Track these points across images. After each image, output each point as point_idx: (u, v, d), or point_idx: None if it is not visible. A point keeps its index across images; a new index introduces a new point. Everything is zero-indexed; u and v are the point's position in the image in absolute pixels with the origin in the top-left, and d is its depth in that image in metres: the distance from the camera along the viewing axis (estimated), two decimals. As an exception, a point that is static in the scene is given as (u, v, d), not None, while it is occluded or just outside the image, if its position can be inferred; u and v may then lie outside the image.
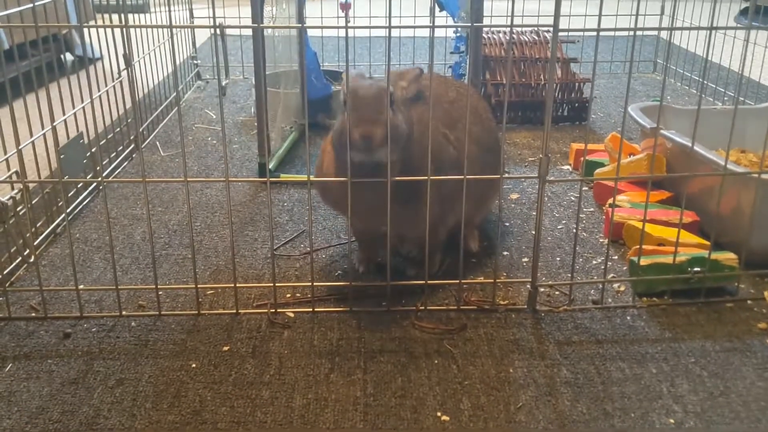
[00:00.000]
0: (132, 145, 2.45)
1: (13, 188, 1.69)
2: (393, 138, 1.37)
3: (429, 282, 1.55)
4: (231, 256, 1.53)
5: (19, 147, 1.56)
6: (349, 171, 1.39)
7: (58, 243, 1.83)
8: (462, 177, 1.45)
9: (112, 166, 2.30)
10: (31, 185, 1.73)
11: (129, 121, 2.48)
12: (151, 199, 2.10)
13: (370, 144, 1.35)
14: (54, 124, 1.61)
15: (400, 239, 1.75)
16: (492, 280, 1.59)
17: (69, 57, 3.53)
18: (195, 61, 3.36)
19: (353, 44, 3.73)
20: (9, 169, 1.66)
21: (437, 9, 2.76)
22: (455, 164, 1.56)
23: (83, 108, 2.00)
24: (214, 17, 1.35)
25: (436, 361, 1.37)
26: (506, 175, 2.34)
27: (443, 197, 1.54)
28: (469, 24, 2.20)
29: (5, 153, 1.63)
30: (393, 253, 1.58)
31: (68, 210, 1.90)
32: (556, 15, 1.37)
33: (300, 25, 2.01)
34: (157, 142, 2.57)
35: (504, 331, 1.47)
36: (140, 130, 2.53)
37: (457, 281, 1.56)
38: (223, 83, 1.27)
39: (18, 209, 1.70)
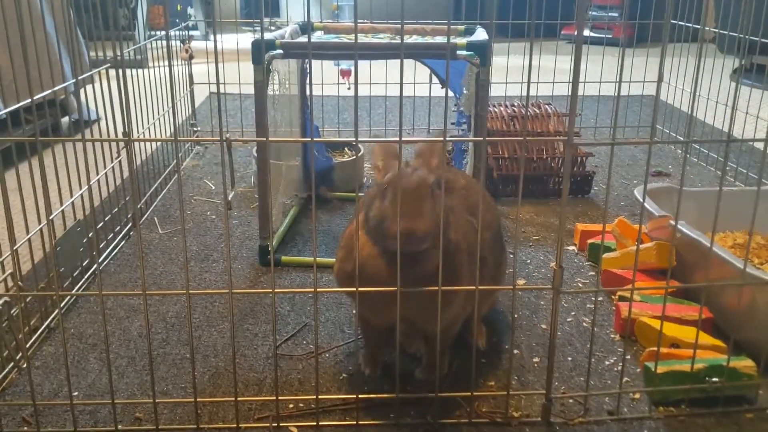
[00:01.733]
0: (129, 224, 2.40)
1: (7, 289, 1.63)
2: (436, 230, 1.34)
3: (440, 394, 1.49)
4: (231, 359, 1.47)
5: (15, 248, 1.51)
6: (399, 278, 1.34)
7: (52, 340, 1.76)
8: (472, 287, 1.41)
9: (110, 248, 2.25)
10: (24, 282, 1.67)
11: (127, 199, 2.43)
12: (149, 285, 2.04)
13: (414, 240, 1.31)
14: (51, 217, 1.57)
15: (407, 337, 1.70)
16: (505, 393, 1.53)
17: (65, 120, 3.51)
18: (194, 128, 3.34)
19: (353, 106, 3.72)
20: (2, 269, 1.62)
21: (439, 86, 2.76)
22: (478, 257, 1.48)
23: (80, 185, 1.96)
24: (221, 130, 1.31)
25: (448, 488, 1.31)
26: (510, 256, 2.30)
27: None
28: (473, 137, 2.19)
29: None
30: (399, 351, 1.52)
31: (63, 304, 1.85)
32: (570, 127, 1.35)
33: (309, 139, 1.97)
34: (155, 218, 2.53)
35: (518, 450, 1.41)
36: (137, 206, 2.49)
37: (469, 393, 1.50)
38: (230, 196, 1.25)
39: (11, 311, 1.63)
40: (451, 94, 2.74)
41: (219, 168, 3.12)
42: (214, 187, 2.87)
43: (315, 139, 1.38)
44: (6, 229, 1.42)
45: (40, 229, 1.73)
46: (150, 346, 1.43)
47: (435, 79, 3.01)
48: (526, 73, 1.36)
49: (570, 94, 1.32)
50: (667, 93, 3.48)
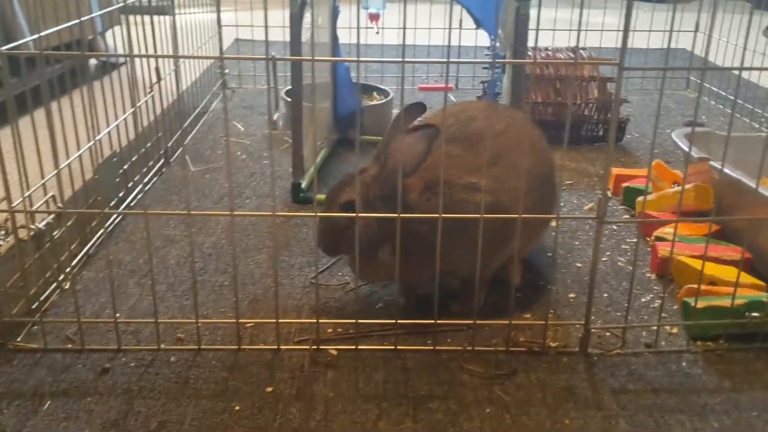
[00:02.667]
0: (162, 160, 2.41)
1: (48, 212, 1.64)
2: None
3: (477, 322, 1.50)
4: (269, 286, 1.48)
5: (58, 168, 1.52)
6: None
7: (92, 266, 1.79)
8: (516, 216, 1.40)
9: (144, 181, 2.26)
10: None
11: (160, 135, 2.43)
12: (184, 218, 2.05)
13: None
14: (94, 140, 1.58)
15: (441, 273, 1.70)
16: (543, 322, 1.53)
17: (92, 62, 3.49)
18: (222, 70, 3.31)
19: (381, 52, 3.67)
20: (44, 191, 1.63)
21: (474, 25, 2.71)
22: (490, 211, 1.46)
23: (107, 123, 1.96)
24: (266, 49, 1.30)
25: (488, 410, 1.32)
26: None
27: (486, 241, 1.44)
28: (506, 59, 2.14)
29: (41, 172, 1.58)
30: (434, 284, 1.53)
31: (101, 231, 1.86)
32: (623, 51, 1.32)
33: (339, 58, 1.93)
34: (186, 156, 2.53)
35: (556, 377, 1.41)
36: (168, 145, 2.49)
37: (507, 321, 1.50)
38: (274, 117, 1.24)
39: (53, 234, 1.65)
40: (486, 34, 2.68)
41: (246, 111, 3.11)
42: (242, 129, 2.86)
43: (362, 59, 1.35)
44: (49, 152, 1.42)
45: (79, 156, 1.74)
46: (194, 266, 1.44)
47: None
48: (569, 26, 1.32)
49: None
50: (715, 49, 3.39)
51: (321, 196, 2.21)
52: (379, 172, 1.53)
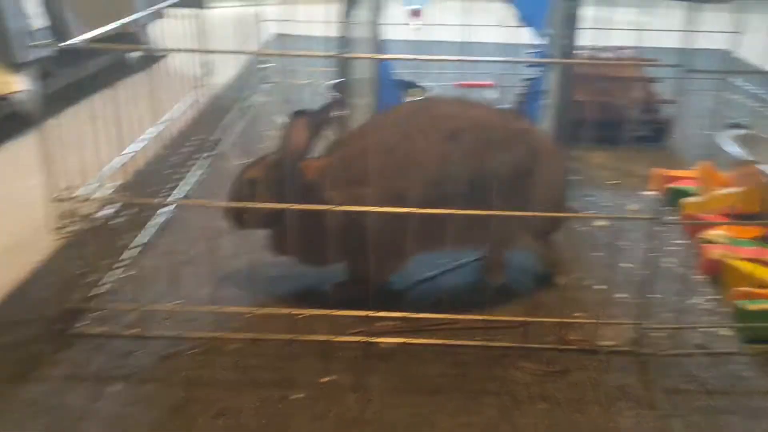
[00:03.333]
0: (209, 153, 2.45)
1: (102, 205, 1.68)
2: None
3: (528, 319, 1.51)
4: (321, 278, 1.50)
5: (126, 158, 1.56)
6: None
7: (148, 254, 1.83)
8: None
9: (194, 172, 2.30)
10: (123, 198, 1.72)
11: (206, 138, 2.47)
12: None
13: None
14: (156, 132, 1.61)
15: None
16: (594, 321, 1.53)
17: (133, 54, 3.55)
18: (263, 64, 3.35)
19: (420, 48, 3.67)
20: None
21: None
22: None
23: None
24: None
25: (541, 407, 1.33)
26: (589, 199, 2.29)
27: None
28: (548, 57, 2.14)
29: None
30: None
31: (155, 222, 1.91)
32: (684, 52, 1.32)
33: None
34: (230, 150, 2.56)
35: (609, 376, 1.42)
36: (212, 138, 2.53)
37: (559, 319, 1.51)
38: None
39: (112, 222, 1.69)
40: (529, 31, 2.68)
41: (287, 106, 3.14)
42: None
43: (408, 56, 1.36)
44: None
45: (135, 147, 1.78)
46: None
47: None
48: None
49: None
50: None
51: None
52: (277, 155, 1.60)
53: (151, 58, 3.25)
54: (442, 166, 1.53)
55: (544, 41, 2.51)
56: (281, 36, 3.91)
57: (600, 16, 3.10)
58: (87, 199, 1.50)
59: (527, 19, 2.55)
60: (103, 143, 1.42)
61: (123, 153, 1.73)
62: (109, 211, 1.60)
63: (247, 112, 3.01)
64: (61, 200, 1.42)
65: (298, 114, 1.59)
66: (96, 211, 1.51)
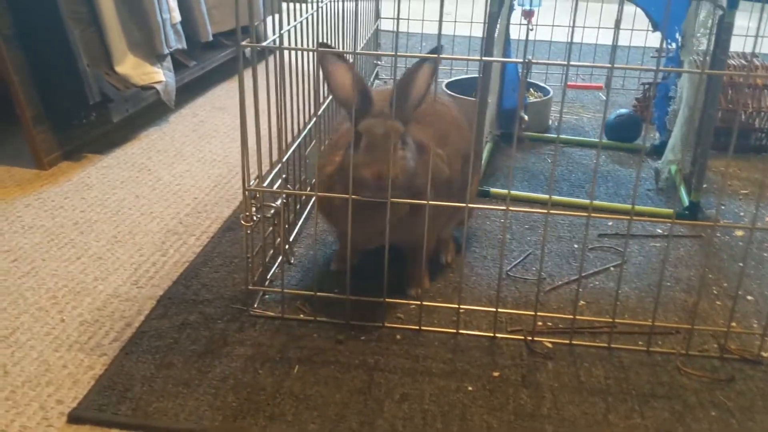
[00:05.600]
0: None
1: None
2: (403, 177, 1.43)
3: (691, 327, 1.53)
4: (467, 275, 1.54)
5: (285, 156, 1.64)
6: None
7: (301, 243, 1.92)
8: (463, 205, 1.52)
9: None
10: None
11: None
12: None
13: (382, 184, 1.40)
14: (311, 124, 1.68)
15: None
16: (760, 333, 1.54)
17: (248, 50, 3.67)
18: (376, 61, 3.42)
19: (533, 49, 3.69)
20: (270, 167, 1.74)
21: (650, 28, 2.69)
22: (447, 181, 1.60)
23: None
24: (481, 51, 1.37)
25: (713, 413, 1.36)
26: (723, 208, 2.28)
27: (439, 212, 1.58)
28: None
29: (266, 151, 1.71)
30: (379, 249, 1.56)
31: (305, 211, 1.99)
32: None
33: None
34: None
35: (776, 387, 1.44)
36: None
37: (723, 329, 1.53)
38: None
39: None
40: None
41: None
42: (404, 119, 2.95)
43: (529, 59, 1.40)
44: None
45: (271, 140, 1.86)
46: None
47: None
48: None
49: None
50: None
51: (496, 190, 2.29)
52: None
53: (267, 51, 3.35)
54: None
55: (673, 47, 2.50)
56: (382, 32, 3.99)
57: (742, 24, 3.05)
58: (273, 191, 1.58)
59: (660, 24, 2.54)
60: (264, 132, 1.49)
61: (295, 144, 1.81)
62: (279, 201, 1.68)
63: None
64: (253, 190, 1.51)
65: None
66: (272, 201, 1.60)
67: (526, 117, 2.66)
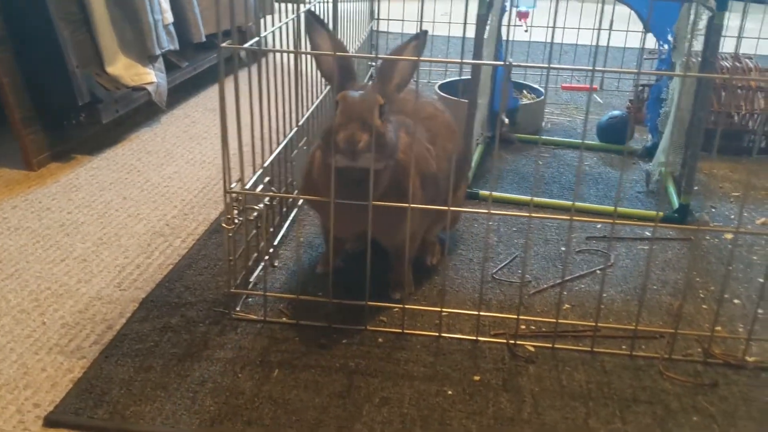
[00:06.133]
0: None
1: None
2: (379, 145, 1.40)
3: (675, 331, 1.52)
4: (453, 278, 1.54)
5: (269, 158, 1.63)
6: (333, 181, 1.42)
7: (287, 246, 1.92)
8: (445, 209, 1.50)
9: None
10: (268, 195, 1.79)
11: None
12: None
13: (355, 148, 1.38)
14: (296, 128, 1.67)
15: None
16: (744, 337, 1.53)
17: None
18: (370, 63, 3.42)
19: (527, 50, 3.69)
20: (254, 170, 1.74)
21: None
22: (433, 179, 1.61)
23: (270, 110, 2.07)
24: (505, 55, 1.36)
25: (694, 419, 1.35)
26: (713, 211, 2.27)
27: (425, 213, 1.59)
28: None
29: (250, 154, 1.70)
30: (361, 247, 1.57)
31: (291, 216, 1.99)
32: None
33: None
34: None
35: (759, 392, 1.42)
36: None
37: (708, 333, 1.52)
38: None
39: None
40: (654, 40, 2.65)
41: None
42: (397, 120, 2.94)
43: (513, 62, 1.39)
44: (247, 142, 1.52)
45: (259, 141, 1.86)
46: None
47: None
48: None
49: None
50: None
51: (485, 193, 2.28)
52: None
53: (259, 53, 3.35)
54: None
55: (666, 48, 2.49)
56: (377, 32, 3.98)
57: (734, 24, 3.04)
58: (254, 193, 1.58)
59: (652, 26, 2.53)
60: (246, 135, 1.48)
61: (279, 147, 1.81)
62: (261, 206, 1.68)
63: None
64: (234, 192, 1.51)
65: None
66: (255, 204, 1.59)
67: (506, 120, 2.67)
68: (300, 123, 1.79)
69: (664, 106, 2.54)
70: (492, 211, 1.47)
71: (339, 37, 2.36)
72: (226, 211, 1.52)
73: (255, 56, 1.55)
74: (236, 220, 1.54)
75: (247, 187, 1.59)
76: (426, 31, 1.44)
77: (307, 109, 2.10)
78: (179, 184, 2.29)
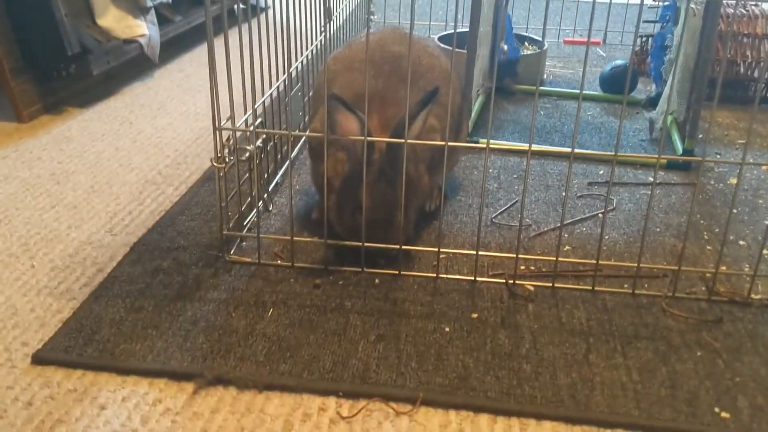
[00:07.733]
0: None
1: (256, 138, 1.71)
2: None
3: (678, 268, 1.48)
4: (452, 223, 1.50)
5: (261, 100, 1.58)
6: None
7: (281, 194, 1.88)
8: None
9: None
10: (263, 135, 1.73)
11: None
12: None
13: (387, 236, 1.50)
14: (290, 70, 1.62)
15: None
16: (750, 274, 1.50)
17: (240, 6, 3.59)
18: (372, 16, 3.34)
19: (528, 3, 3.60)
20: (245, 113, 1.69)
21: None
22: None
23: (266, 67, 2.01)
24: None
25: (699, 354, 1.31)
26: (718, 157, 2.22)
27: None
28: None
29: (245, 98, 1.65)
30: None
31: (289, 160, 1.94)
32: None
33: None
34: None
35: (765, 328, 1.39)
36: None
37: (712, 270, 1.48)
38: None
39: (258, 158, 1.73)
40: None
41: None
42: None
43: None
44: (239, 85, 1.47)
45: (274, 88, 1.80)
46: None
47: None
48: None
49: None
50: None
51: (485, 141, 2.23)
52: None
53: (259, 8, 3.28)
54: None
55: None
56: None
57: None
58: (246, 131, 1.53)
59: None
60: (237, 83, 1.43)
61: (271, 90, 1.76)
62: (252, 146, 1.63)
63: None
64: (224, 129, 1.46)
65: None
66: (248, 145, 1.55)
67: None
68: (290, 71, 1.73)
69: (668, 53, 2.48)
70: (491, 146, 1.43)
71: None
72: (216, 149, 1.47)
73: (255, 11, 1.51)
74: (227, 159, 1.50)
75: (238, 124, 1.55)
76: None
77: (301, 54, 2.04)
78: (172, 135, 2.25)
